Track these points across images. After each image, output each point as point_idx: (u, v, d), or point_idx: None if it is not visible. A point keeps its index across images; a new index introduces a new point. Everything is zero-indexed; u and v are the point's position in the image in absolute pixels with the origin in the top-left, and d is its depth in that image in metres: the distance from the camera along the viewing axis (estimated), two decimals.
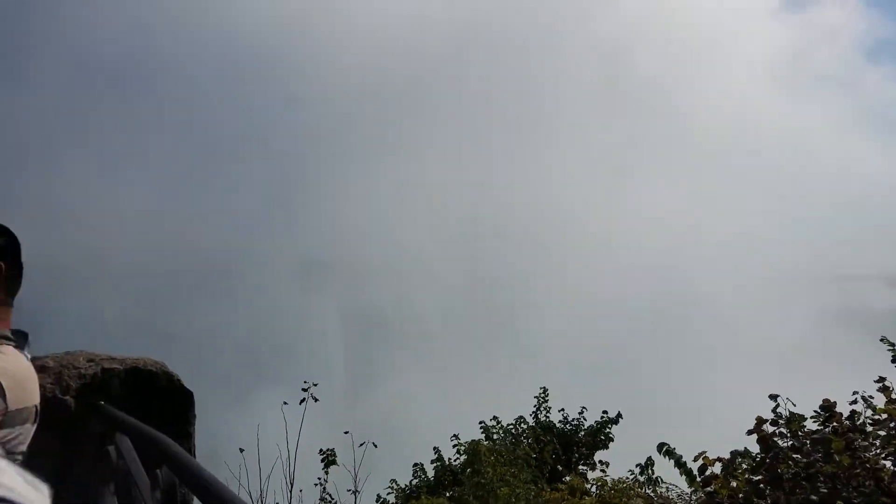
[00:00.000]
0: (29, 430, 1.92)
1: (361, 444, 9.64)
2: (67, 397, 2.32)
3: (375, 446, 9.61)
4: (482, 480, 8.22)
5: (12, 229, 2.05)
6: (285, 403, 8.92)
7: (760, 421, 4.27)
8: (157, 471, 2.15)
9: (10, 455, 1.85)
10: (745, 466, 5.28)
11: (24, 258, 2.05)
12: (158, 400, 2.72)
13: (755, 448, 4.65)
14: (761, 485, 4.13)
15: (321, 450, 9.90)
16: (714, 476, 4.56)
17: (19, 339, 2.01)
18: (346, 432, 9.52)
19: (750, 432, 4.30)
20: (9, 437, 1.86)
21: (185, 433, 2.78)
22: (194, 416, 2.83)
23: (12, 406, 1.83)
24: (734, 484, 4.38)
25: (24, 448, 1.91)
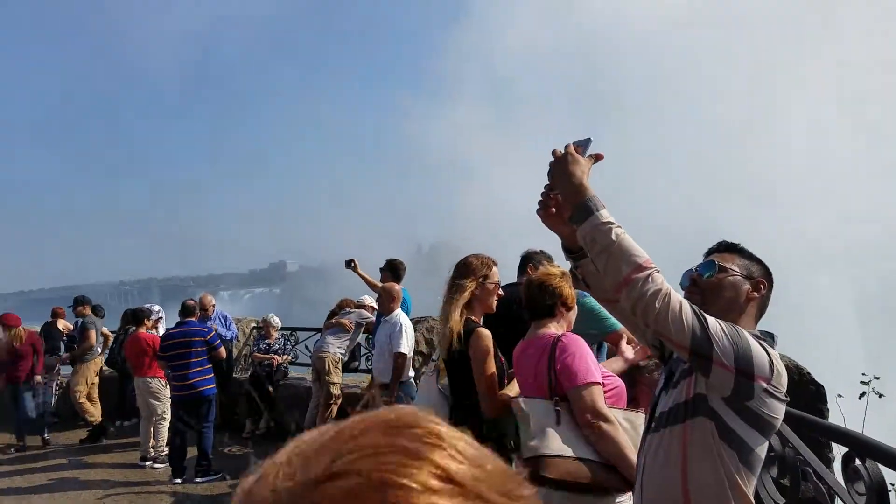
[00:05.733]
0: None
1: None
2: None
3: None
4: None
5: None
6: (840, 396, 8.16)
7: None
8: (857, 464, 2.19)
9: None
10: None
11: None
12: (792, 393, 2.83)
13: None
14: None
15: None
16: None
17: (767, 340, 2.04)
18: None
19: None
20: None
21: None
22: (827, 409, 2.87)
23: None
24: None
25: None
